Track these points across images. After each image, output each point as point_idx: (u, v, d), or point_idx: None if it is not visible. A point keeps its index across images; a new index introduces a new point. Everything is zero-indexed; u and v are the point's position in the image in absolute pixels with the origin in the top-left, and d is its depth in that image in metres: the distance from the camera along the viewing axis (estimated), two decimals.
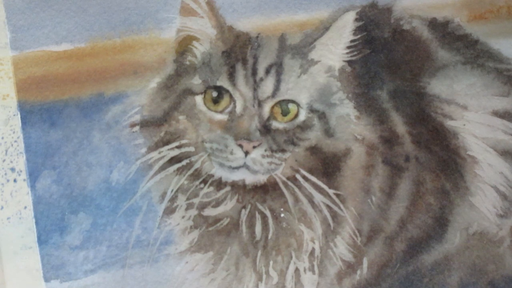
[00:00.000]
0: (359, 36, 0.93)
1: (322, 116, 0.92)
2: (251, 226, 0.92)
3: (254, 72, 0.90)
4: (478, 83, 0.98)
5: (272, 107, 0.90)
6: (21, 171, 0.87)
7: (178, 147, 0.90)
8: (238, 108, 0.89)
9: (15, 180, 0.87)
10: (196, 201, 0.91)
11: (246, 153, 0.88)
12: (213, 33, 0.91)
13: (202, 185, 0.91)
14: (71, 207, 0.88)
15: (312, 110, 0.91)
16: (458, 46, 0.99)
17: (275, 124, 0.90)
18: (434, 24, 0.98)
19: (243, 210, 0.91)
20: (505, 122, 0.97)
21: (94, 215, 0.89)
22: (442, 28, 0.98)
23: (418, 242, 0.95)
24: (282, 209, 0.92)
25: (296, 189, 0.91)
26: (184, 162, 0.90)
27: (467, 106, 0.97)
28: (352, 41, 0.93)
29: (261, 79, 0.90)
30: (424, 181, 0.95)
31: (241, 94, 0.89)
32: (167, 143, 0.90)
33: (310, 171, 0.91)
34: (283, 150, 0.90)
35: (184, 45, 0.92)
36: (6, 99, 0.88)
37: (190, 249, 0.91)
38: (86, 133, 0.89)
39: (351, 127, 0.93)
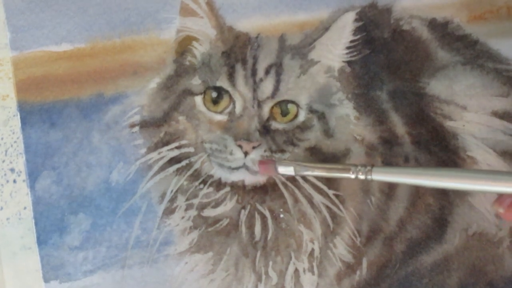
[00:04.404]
0: (358, 36, 0.93)
1: (321, 116, 0.92)
2: (250, 226, 0.92)
3: (254, 73, 0.90)
4: (477, 83, 0.98)
5: (272, 108, 0.90)
6: (20, 171, 0.87)
7: (177, 147, 0.90)
8: (238, 109, 0.89)
9: (14, 181, 0.87)
10: (195, 201, 0.91)
11: (246, 153, 0.88)
12: (213, 33, 0.91)
13: (201, 186, 0.91)
14: (71, 207, 0.88)
15: (311, 110, 0.91)
16: (457, 46, 0.99)
17: (274, 125, 0.90)
18: (434, 25, 0.98)
19: (242, 211, 0.91)
20: (504, 122, 0.97)
21: (93, 215, 0.89)
22: (441, 29, 0.98)
23: (417, 242, 0.95)
24: (281, 210, 0.92)
25: (296, 190, 0.91)
26: (183, 163, 0.90)
27: (466, 107, 0.97)
28: (351, 41, 0.93)
29: (261, 80, 0.90)
30: None
31: (241, 95, 0.89)
32: (167, 143, 0.90)
33: None
34: (282, 151, 0.90)
35: (184, 46, 0.92)
36: (6, 100, 0.88)
37: (189, 250, 0.91)
38: (86, 134, 0.89)
39: (351, 127, 0.93)
